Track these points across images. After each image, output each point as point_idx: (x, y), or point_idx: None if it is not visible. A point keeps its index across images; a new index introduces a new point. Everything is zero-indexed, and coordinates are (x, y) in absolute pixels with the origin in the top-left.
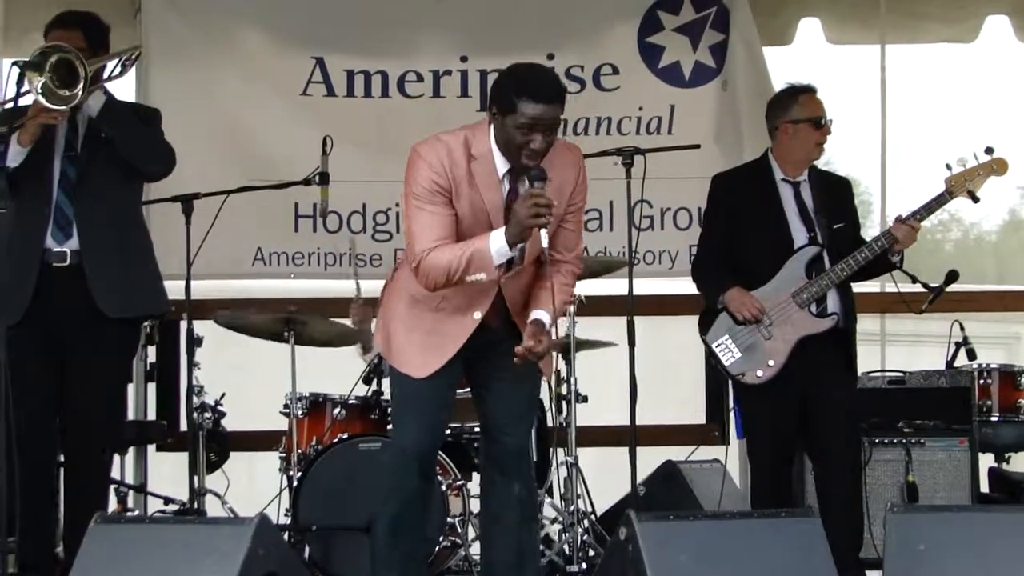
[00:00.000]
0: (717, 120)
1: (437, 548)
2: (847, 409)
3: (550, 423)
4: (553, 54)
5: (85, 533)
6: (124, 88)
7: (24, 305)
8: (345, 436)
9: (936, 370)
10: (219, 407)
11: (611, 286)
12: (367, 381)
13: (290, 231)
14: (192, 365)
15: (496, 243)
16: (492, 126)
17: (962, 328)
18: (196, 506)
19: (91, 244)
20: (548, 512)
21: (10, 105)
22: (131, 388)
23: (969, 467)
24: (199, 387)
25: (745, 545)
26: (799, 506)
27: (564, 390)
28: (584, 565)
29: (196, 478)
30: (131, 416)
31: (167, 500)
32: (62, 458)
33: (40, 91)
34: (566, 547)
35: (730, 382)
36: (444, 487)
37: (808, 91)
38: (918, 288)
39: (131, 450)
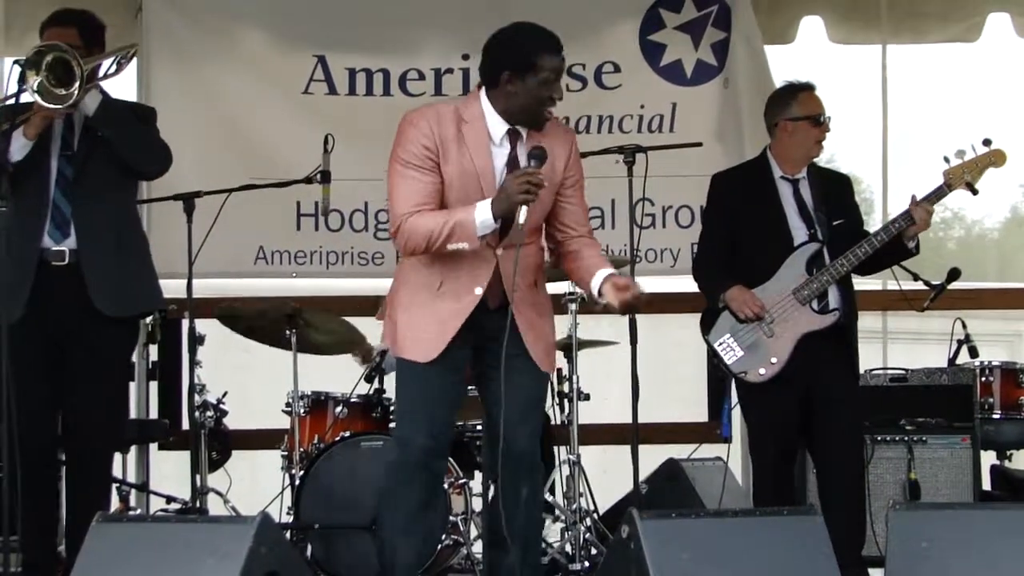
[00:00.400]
0: (719, 118)
1: (440, 546)
2: (850, 406)
3: (553, 421)
4: None
5: (87, 532)
6: (125, 86)
7: (22, 304)
8: (347, 434)
9: (938, 368)
10: (221, 406)
11: None
12: (369, 380)
13: (292, 230)
14: (194, 364)
15: (481, 214)
16: (490, 93)
17: (964, 326)
18: (198, 505)
19: (88, 243)
20: (550, 510)
21: (11, 102)
22: (133, 387)
23: (971, 465)
24: (201, 386)
25: (747, 543)
26: (801, 504)
27: (566, 388)
28: (586, 563)
29: (198, 477)
30: (133, 415)
31: (169, 499)
32: (64, 457)
33: (36, 90)
34: (568, 545)
35: (732, 380)
36: (446, 486)
37: (807, 89)
38: (920, 286)
39: (133, 449)
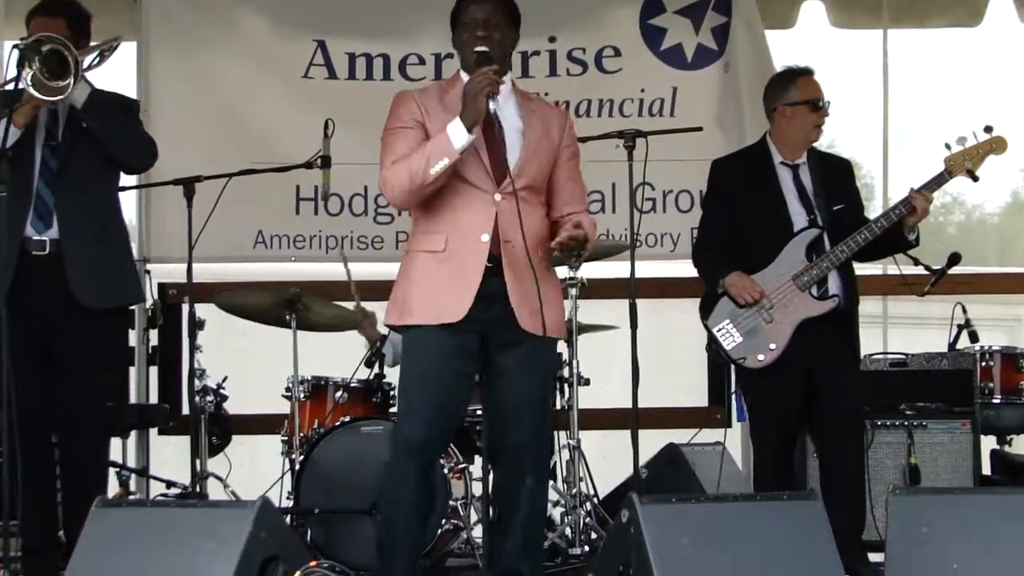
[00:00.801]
0: (719, 103)
1: (440, 531)
2: (850, 391)
3: (553, 406)
4: (555, 36)
5: (83, 518)
6: (124, 71)
7: (4, 294)
8: (347, 419)
9: (938, 352)
10: (221, 390)
11: (613, 269)
12: (369, 364)
13: (291, 214)
14: (194, 348)
15: (453, 127)
16: (460, 59)
17: (964, 310)
18: (198, 489)
19: (71, 234)
20: (551, 495)
21: (10, 87)
22: (133, 371)
23: (971, 449)
24: (201, 370)
25: (747, 528)
26: (801, 489)
27: (566, 373)
28: (587, 548)
29: (198, 461)
30: (133, 400)
31: (169, 484)
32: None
33: (30, 82)
34: (568, 530)
35: (732, 366)
36: (447, 470)
37: (805, 73)
38: (920, 270)
39: (133, 434)
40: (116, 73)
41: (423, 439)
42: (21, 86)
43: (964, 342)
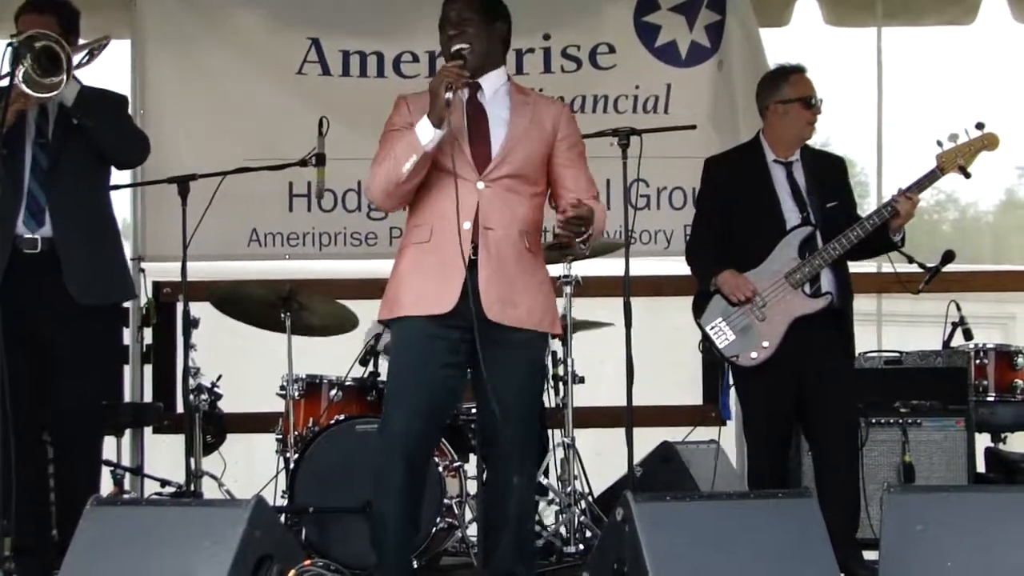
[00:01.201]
0: (713, 100)
1: (434, 529)
2: (844, 389)
3: (547, 404)
4: (549, 34)
5: (76, 517)
6: (119, 68)
7: None
8: (342, 418)
9: (933, 350)
10: (216, 389)
11: (607, 266)
12: (363, 363)
13: (284, 211)
14: (188, 347)
15: (421, 125)
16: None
17: (959, 308)
18: (193, 488)
19: (64, 232)
20: (545, 493)
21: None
22: (127, 370)
23: (965, 447)
24: (195, 369)
25: (742, 526)
26: (796, 487)
27: (561, 371)
28: (581, 546)
29: (192, 460)
30: (127, 398)
31: (164, 482)
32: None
33: (23, 79)
34: (563, 528)
35: (726, 364)
36: (441, 469)
37: (798, 71)
38: (915, 268)
39: (128, 432)
40: (110, 71)
41: (408, 431)
42: (8, 83)
43: (958, 340)
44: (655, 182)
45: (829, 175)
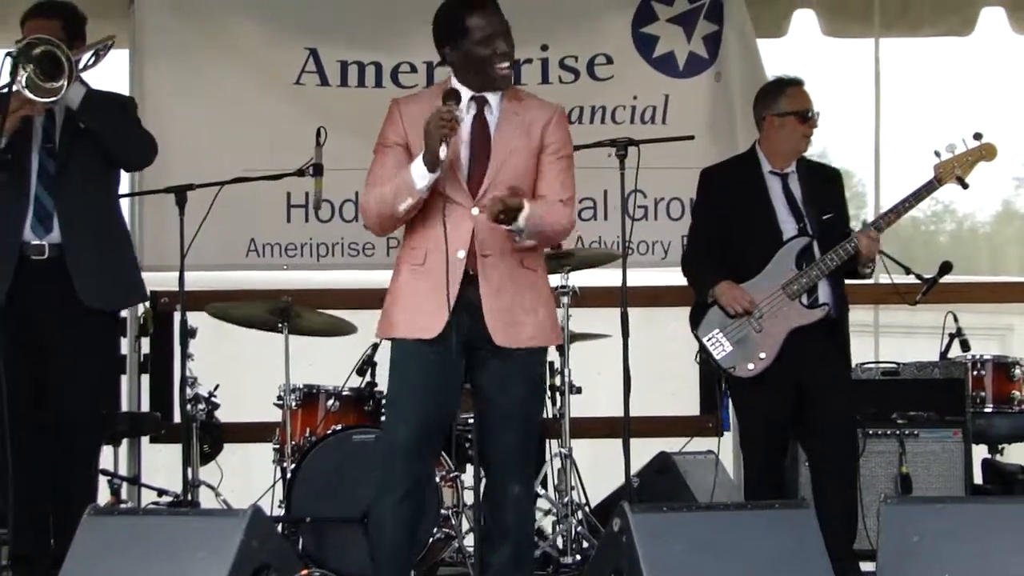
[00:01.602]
0: (711, 111)
1: (431, 540)
2: (841, 400)
3: (544, 415)
4: (547, 44)
5: (74, 525)
6: (117, 78)
7: (2, 299)
8: (339, 427)
9: (930, 361)
10: (213, 398)
11: (604, 277)
12: (361, 372)
13: (282, 221)
14: (186, 356)
15: (416, 167)
16: (452, 68)
17: (956, 319)
18: (190, 498)
19: (72, 237)
20: (542, 504)
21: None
22: (125, 380)
23: (963, 458)
24: (193, 378)
25: (739, 537)
26: (793, 497)
27: (558, 381)
28: (578, 557)
29: (190, 470)
30: (125, 407)
31: (161, 492)
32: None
33: (25, 84)
34: (560, 539)
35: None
36: (438, 479)
37: (795, 84)
38: (912, 279)
39: (125, 442)
40: (109, 80)
41: (409, 443)
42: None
43: (956, 351)
44: (653, 193)
45: (825, 187)
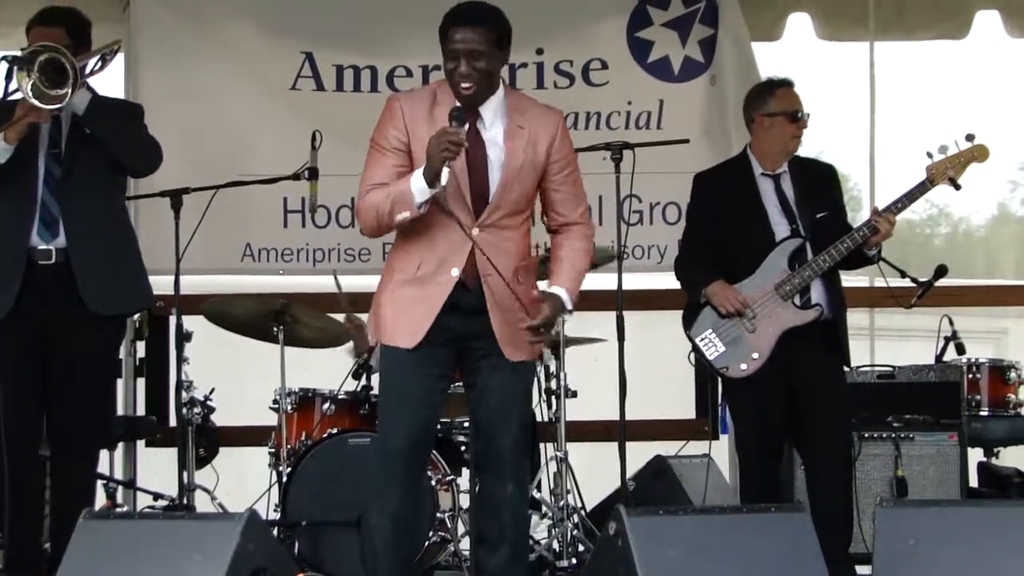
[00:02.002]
0: (706, 115)
1: (427, 543)
2: (836, 403)
3: (540, 418)
4: (542, 48)
5: (71, 529)
6: (113, 82)
7: (10, 304)
8: (334, 431)
9: (925, 365)
10: (208, 402)
11: (600, 281)
12: (356, 376)
13: (279, 226)
14: (181, 360)
15: (416, 182)
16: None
17: (951, 323)
18: (185, 501)
19: (78, 242)
20: (537, 507)
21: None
22: (120, 383)
23: (958, 462)
24: (188, 382)
25: (734, 540)
26: (788, 501)
27: (553, 385)
28: (574, 560)
29: (185, 473)
30: (120, 411)
31: (156, 496)
32: (49, 453)
33: (31, 93)
34: (556, 542)
35: (717, 376)
36: (434, 483)
37: (785, 85)
38: (907, 283)
39: (120, 445)
40: (105, 84)
41: (405, 446)
42: (13, 98)
43: (951, 354)
44: (648, 197)
45: (818, 185)
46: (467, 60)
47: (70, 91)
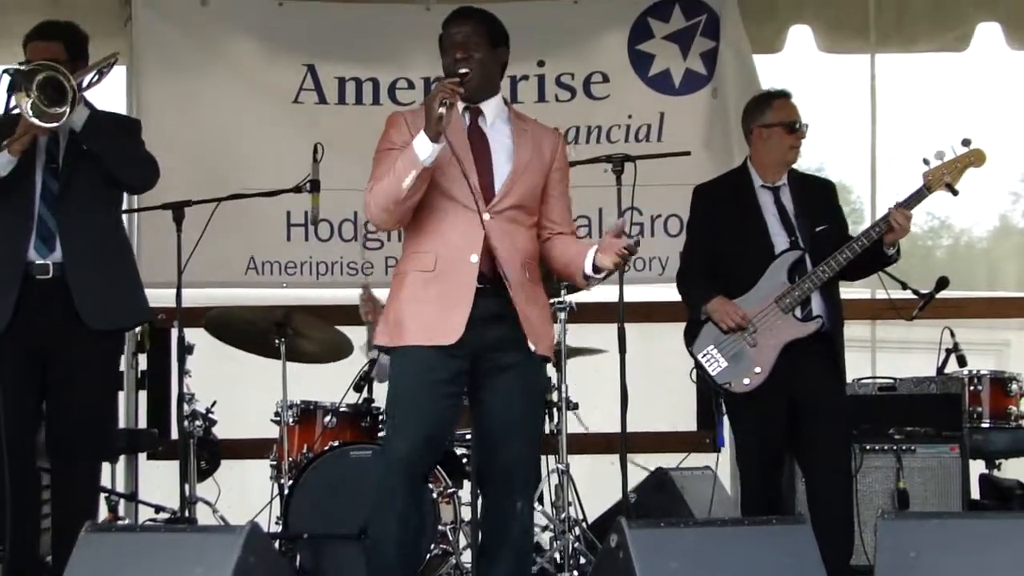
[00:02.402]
0: (707, 127)
1: (428, 556)
2: (835, 414)
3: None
4: (543, 61)
5: (72, 542)
6: (114, 95)
7: (7, 318)
8: (336, 444)
9: (927, 377)
10: (210, 415)
11: (601, 293)
12: (358, 388)
13: (282, 240)
14: (183, 373)
15: (418, 139)
16: None
17: (952, 335)
18: (187, 514)
19: (75, 257)
20: (539, 520)
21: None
22: (122, 396)
23: (960, 474)
24: (190, 395)
25: (736, 552)
26: (790, 513)
27: (555, 397)
28: (575, 573)
29: (187, 486)
30: (122, 424)
31: (158, 508)
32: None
33: (30, 111)
34: (557, 555)
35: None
36: (435, 495)
37: (782, 96)
38: (908, 294)
39: (122, 458)
40: (106, 97)
41: (411, 457)
42: (13, 113)
43: (952, 366)
44: (649, 210)
45: (818, 198)
46: (463, 49)
47: (69, 109)
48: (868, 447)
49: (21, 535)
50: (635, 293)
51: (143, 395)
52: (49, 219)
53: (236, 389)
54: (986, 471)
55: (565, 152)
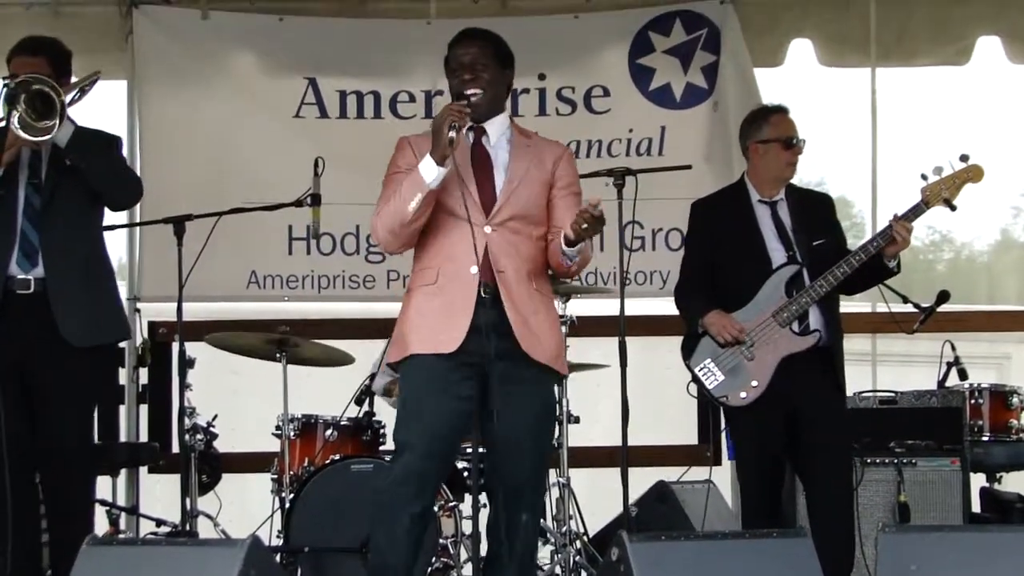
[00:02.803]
0: (708, 141)
1: (429, 569)
2: (835, 427)
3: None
4: (545, 75)
5: (71, 556)
6: (115, 109)
7: None
8: (337, 457)
9: (927, 390)
10: (211, 428)
11: (602, 307)
12: (359, 402)
13: (284, 254)
14: (184, 387)
15: (424, 162)
16: None
17: (953, 348)
18: (188, 528)
19: (57, 272)
20: (541, 533)
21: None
22: (123, 410)
23: (961, 487)
24: (191, 409)
25: (737, 565)
26: (790, 526)
27: (556, 411)
28: None
29: (188, 500)
30: (123, 438)
31: (159, 522)
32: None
33: (18, 125)
34: (558, 568)
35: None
36: (436, 508)
37: (779, 111)
38: (909, 308)
39: (123, 472)
40: (106, 111)
41: (420, 467)
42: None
43: (953, 380)
44: (650, 223)
45: (816, 213)
46: (471, 71)
47: (56, 123)
48: (869, 460)
49: (23, 546)
50: (636, 307)
51: (144, 409)
52: (32, 234)
53: (237, 403)
54: (987, 484)
55: (571, 163)
